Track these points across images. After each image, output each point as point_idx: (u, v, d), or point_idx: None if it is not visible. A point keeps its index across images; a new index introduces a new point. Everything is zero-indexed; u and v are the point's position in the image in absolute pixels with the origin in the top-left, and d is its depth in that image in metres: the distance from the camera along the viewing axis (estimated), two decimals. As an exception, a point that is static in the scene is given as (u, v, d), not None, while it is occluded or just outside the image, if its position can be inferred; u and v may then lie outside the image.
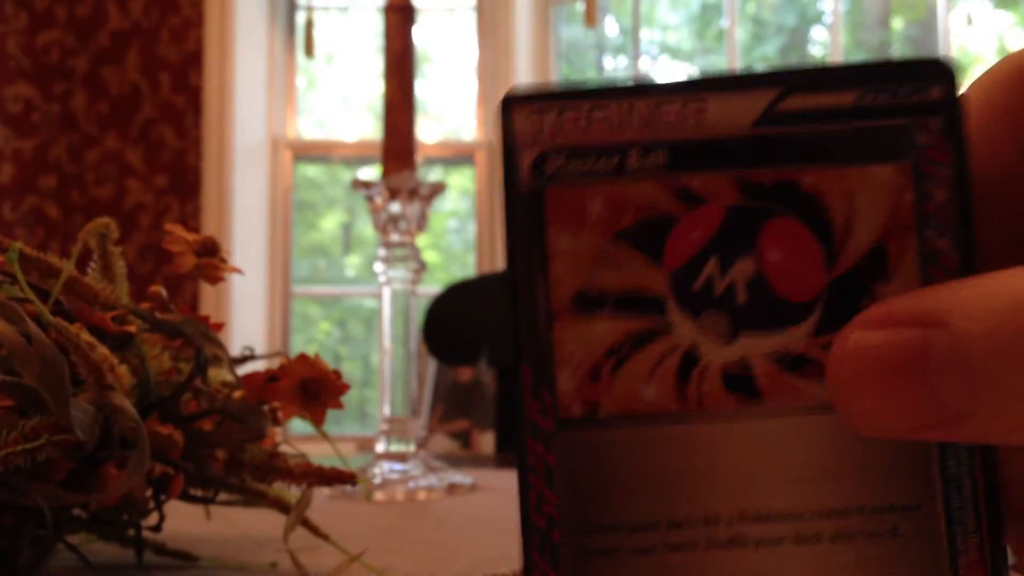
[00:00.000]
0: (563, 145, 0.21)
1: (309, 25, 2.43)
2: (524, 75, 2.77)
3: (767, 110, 0.20)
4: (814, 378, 0.20)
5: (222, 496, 0.45)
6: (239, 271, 0.44)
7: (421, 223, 0.74)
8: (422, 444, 0.75)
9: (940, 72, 0.20)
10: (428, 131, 2.91)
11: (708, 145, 0.20)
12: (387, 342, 0.75)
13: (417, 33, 0.79)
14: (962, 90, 0.20)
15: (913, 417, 0.17)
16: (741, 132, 0.20)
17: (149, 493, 0.42)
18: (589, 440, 0.20)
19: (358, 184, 0.75)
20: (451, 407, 2.08)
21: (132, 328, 0.39)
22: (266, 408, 0.43)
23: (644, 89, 0.21)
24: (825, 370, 0.20)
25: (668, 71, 3.23)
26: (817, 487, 0.20)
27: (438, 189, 0.75)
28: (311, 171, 2.83)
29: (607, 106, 0.21)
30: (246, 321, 2.52)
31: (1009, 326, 0.16)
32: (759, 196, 0.20)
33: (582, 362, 0.20)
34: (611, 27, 3.14)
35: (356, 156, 2.80)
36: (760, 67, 0.21)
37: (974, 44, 3.01)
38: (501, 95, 0.21)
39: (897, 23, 2.93)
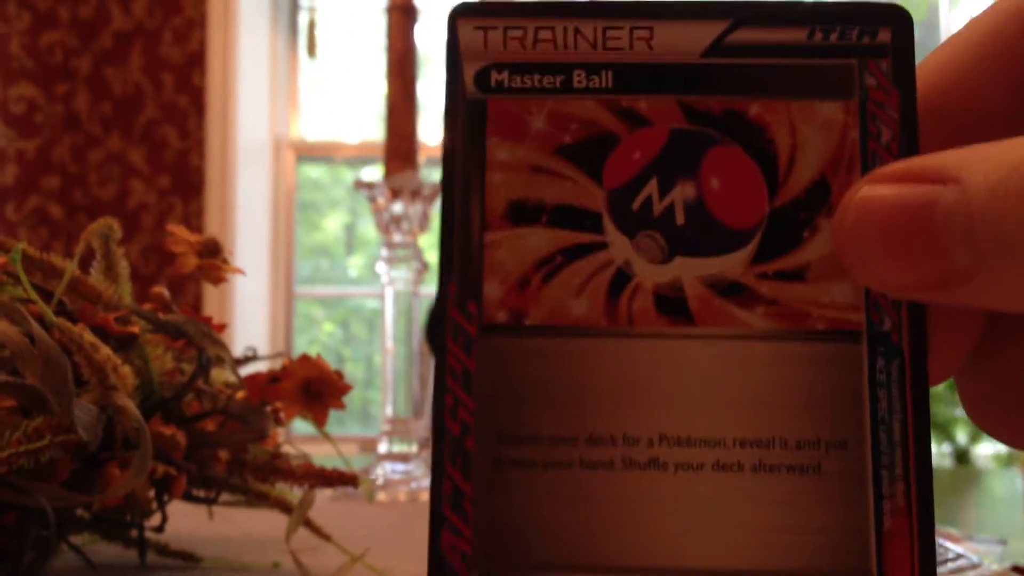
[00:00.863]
0: (507, 61, 0.21)
1: (312, 26, 2.43)
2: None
3: (717, 40, 0.20)
4: (747, 306, 0.20)
5: (224, 497, 0.45)
6: (241, 272, 0.44)
7: (423, 223, 0.74)
8: (424, 445, 0.75)
9: (891, 16, 0.20)
10: (430, 132, 2.92)
11: (655, 70, 0.20)
12: (389, 342, 0.75)
13: (419, 34, 0.79)
14: (912, 36, 0.20)
15: (917, 274, 0.17)
16: (689, 59, 0.20)
17: (152, 494, 0.42)
18: (512, 347, 0.20)
19: (360, 185, 0.75)
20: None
21: (135, 329, 0.39)
22: (268, 409, 0.43)
23: (591, 11, 0.21)
24: (758, 298, 0.20)
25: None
26: (742, 415, 0.20)
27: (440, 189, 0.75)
28: (313, 171, 2.83)
29: (552, 27, 0.21)
30: (249, 322, 2.53)
31: (1015, 176, 0.16)
32: (704, 123, 0.20)
33: (512, 271, 0.20)
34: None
35: (359, 157, 2.80)
36: None
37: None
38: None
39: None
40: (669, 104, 0.20)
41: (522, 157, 0.20)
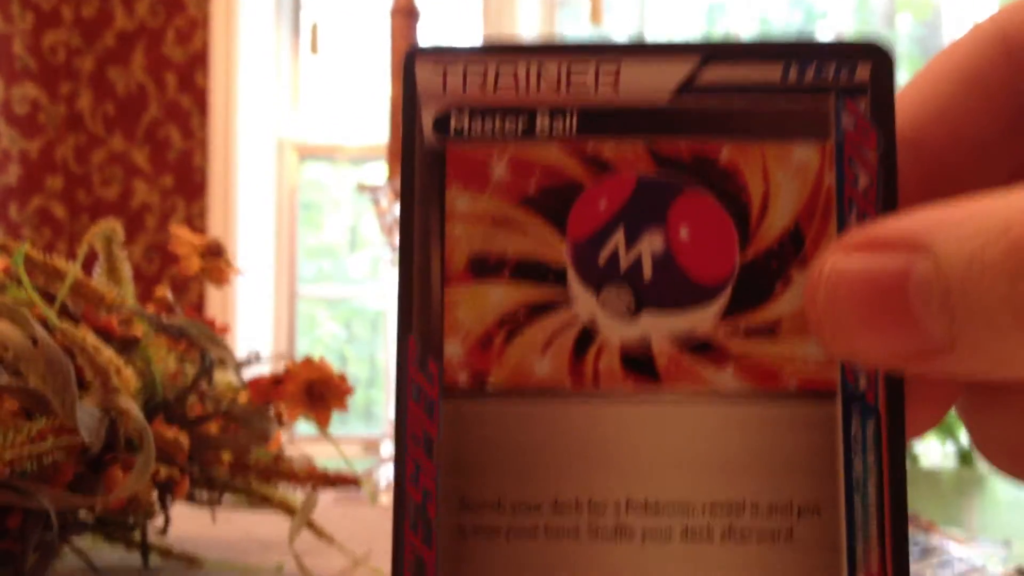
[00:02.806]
0: (468, 103, 0.20)
1: (315, 26, 2.43)
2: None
3: (687, 80, 0.19)
4: (717, 364, 0.19)
5: (227, 499, 0.45)
6: (244, 273, 0.44)
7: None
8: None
9: (871, 52, 0.19)
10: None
11: (621, 112, 0.19)
12: (392, 343, 0.75)
13: (422, 35, 0.79)
14: (894, 72, 0.19)
15: (892, 349, 0.16)
16: (658, 101, 0.19)
17: (155, 496, 0.42)
18: (474, 411, 0.19)
19: (364, 188, 0.75)
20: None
21: (138, 331, 0.39)
22: (271, 411, 0.43)
23: (554, 49, 0.20)
24: (728, 356, 0.19)
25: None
26: (711, 479, 0.19)
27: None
28: (317, 172, 2.84)
29: (515, 65, 0.19)
30: (252, 322, 2.53)
31: (991, 250, 0.15)
32: (673, 168, 0.19)
33: (473, 329, 0.19)
34: (616, 24, 3.14)
35: (362, 157, 2.80)
36: (681, 36, 0.20)
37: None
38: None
39: (903, 22, 2.93)
40: (636, 149, 0.19)
41: (483, 208, 0.19)
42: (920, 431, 0.21)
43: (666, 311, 0.19)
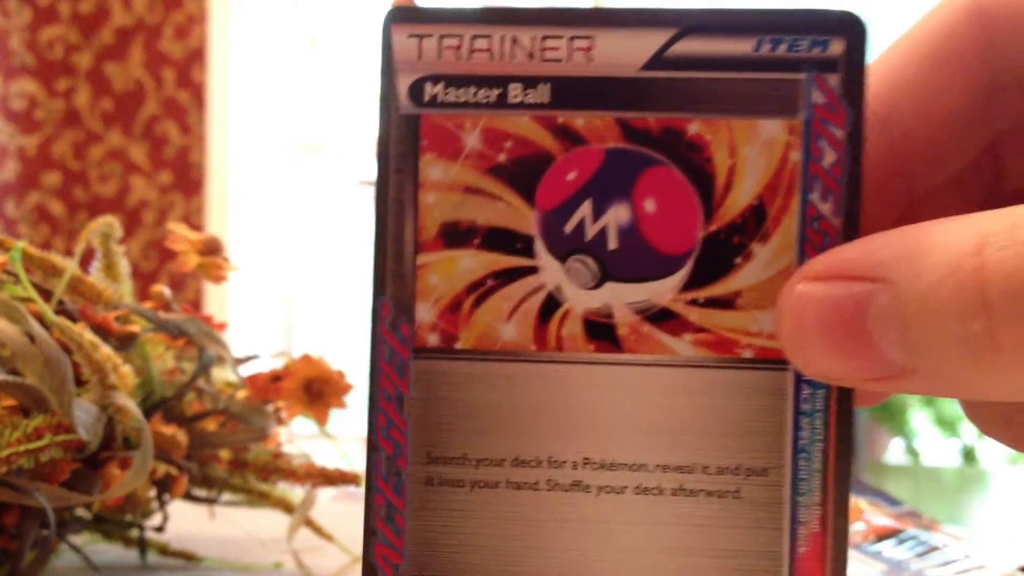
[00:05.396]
0: (442, 73, 0.20)
1: (313, 24, 2.43)
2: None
3: (658, 52, 0.20)
4: (676, 332, 0.20)
5: (226, 496, 0.45)
6: (242, 270, 0.43)
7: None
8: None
9: (845, 26, 0.19)
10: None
11: (594, 84, 0.20)
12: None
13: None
14: (868, 47, 0.19)
15: (856, 371, 0.17)
16: (629, 73, 0.20)
17: (152, 493, 0.41)
18: (444, 370, 0.20)
19: (363, 182, 0.74)
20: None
21: (135, 328, 0.39)
22: (270, 408, 0.43)
23: (529, 18, 0.20)
24: (687, 326, 0.20)
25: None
26: (665, 441, 0.20)
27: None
28: (315, 168, 2.83)
29: (489, 36, 0.20)
30: (250, 319, 2.53)
31: (944, 286, 0.16)
32: (642, 141, 0.20)
33: (443, 294, 0.20)
34: None
35: (360, 153, 2.80)
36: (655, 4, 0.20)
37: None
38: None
39: None
40: (607, 121, 0.20)
41: (455, 176, 0.20)
42: (872, 403, 0.22)
43: (629, 281, 0.20)
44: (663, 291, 0.20)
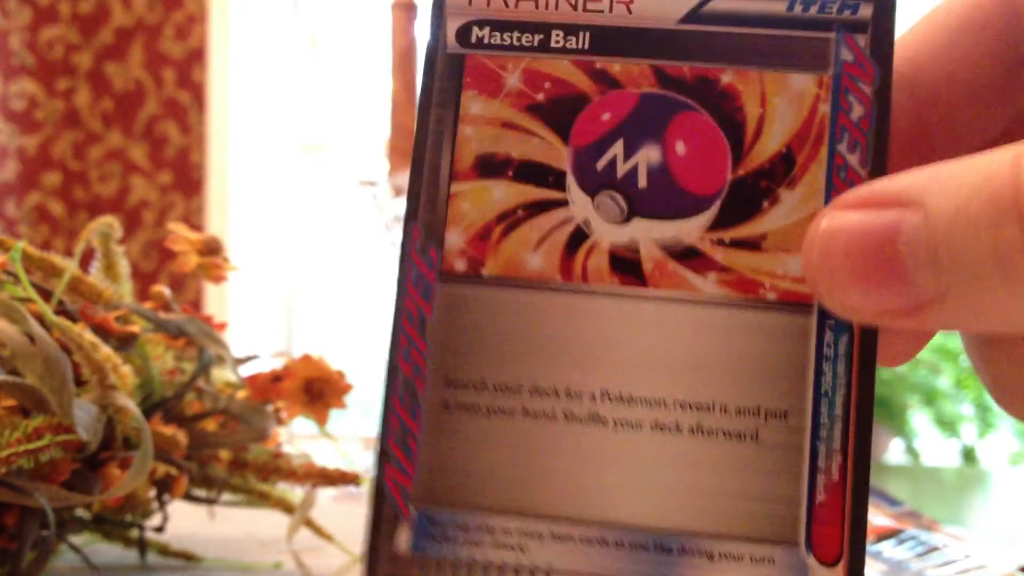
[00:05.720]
0: (489, 18, 0.21)
1: (313, 23, 2.42)
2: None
3: (696, 7, 0.21)
4: (701, 271, 0.20)
5: (226, 497, 0.45)
6: (242, 270, 0.43)
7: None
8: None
9: None
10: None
11: (632, 34, 0.21)
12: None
13: (422, 30, 0.79)
14: (895, 12, 0.20)
15: (884, 302, 0.17)
16: (667, 25, 0.21)
17: (152, 493, 0.41)
18: (468, 296, 0.20)
19: (364, 183, 0.74)
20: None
21: (135, 328, 0.39)
22: (270, 408, 0.43)
23: None
24: (712, 265, 0.20)
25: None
26: (684, 378, 0.20)
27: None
28: (315, 168, 2.83)
29: None
30: (250, 319, 2.52)
31: (975, 201, 0.15)
32: (675, 88, 0.20)
33: (473, 222, 0.21)
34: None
35: (361, 153, 2.79)
36: None
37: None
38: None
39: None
40: (643, 68, 0.21)
41: (494, 112, 0.21)
42: (895, 362, 0.22)
43: (656, 218, 0.20)
44: (690, 229, 0.20)
